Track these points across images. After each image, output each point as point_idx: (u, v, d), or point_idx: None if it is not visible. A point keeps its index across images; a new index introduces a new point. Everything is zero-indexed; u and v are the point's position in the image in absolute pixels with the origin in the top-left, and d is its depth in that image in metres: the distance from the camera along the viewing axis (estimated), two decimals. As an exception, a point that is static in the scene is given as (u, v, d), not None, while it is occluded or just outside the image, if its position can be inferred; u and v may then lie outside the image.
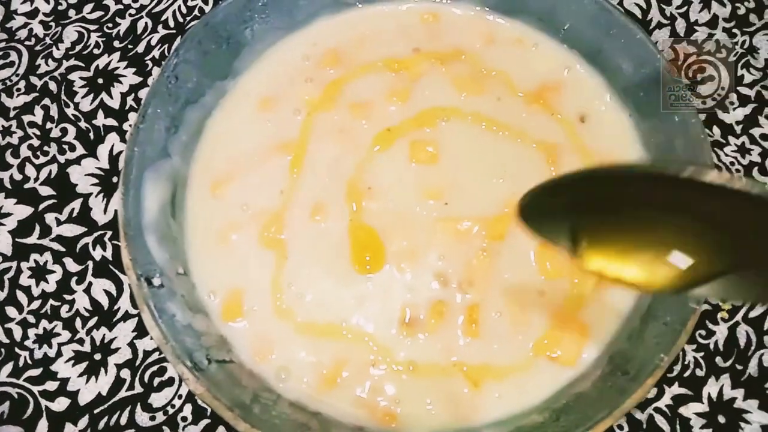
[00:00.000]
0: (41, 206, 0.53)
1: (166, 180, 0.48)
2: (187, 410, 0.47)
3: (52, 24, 0.60)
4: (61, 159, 0.55)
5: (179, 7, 0.60)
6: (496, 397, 0.43)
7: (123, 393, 0.47)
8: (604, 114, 0.51)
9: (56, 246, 0.52)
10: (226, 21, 0.51)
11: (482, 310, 0.45)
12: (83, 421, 0.46)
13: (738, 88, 0.56)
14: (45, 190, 0.54)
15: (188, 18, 0.60)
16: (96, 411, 0.47)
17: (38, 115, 0.56)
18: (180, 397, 0.47)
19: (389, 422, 0.43)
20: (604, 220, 0.33)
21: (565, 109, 0.52)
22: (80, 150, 0.55)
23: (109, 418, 0.46)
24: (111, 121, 0.56)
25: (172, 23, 0.59)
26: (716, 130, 0.55)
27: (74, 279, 0.51)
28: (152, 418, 0.46)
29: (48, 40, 0.59)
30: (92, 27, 0.60)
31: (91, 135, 0.55)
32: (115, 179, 0.54)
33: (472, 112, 0.51)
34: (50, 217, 0.53)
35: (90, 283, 0.50)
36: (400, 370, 0.44)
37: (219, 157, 0.51)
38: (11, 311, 0.50)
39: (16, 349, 0.49)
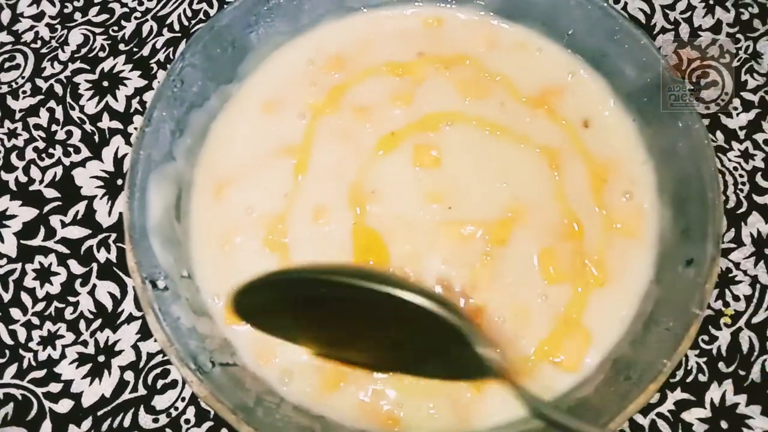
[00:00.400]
0: (46, 208, 0.53)
1: (170, 183, 0.48)
2: (191, 413, 0.47)
3: (58, 27, 0.60)
4: (66, 161, 0.55)
5: (184, 10, 0.60)
6: (499, 401, 0.43)
7: (126, 395, 0.47)
8: (608, 119, 0.51)
9: (61, 248, 0.52)
10: (231, 25, 0.51)
11: (485, 314, 0.45)
12: (87, 423, 0.47)
13: (741, 93, 0.56)
14: (50, 193, 0.54)
15: (193, 21, 0.60)
16: (99, 413, 0.47)
17: (44, 118, 0.57)
18: (183, 399, 0.47)
19: (392, 426, 0.43)
20: (322, 315, 0.38)
21: (568, 113, 0.52)
22: (85, 152, 0.55)
23: (112, 421, 0.47)
24: (116, 124, 0.56)
25: (177, 27, 0.60)
26: (719, 135, 0.55)
27: (78, 281, 0.51)
28: (155, 421, 0.47)
29: (54, 43, 0.60)
30: (98, 30, 0.60)
31: (96, 138, 0.56)
32: (119, 182, 0.54)
33: (476, 117, 0.51)
34: (55, 220, 0.53)
35: (94, 286, 0.51)
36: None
37: (223, 160, 0.51)
38: (16, 313, 0.50)
39: (21, 351, 0.49)
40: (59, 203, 0.53)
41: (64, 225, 0.53)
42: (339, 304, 0.36)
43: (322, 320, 0.38)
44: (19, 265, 0.52)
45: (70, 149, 0.55)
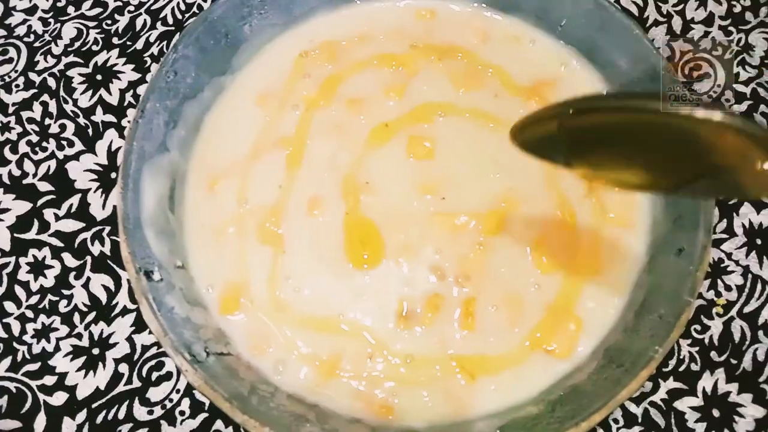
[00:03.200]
0: (40, 202, 0.53)
1: (164, 174, 0.48)
2: (185, 404, 0.47)
3: (51, 20, 0.60)
4: (60, 155, 0.55)
5: (178, 4, 0.60)
6: (492, 389, 0.43)
7: (121, 387, 0.47)
8: (600, 110, 0.52)
9: (55, 241, 0.52)
10: (224, 17, 0.51)
11: (478, 303, 0.45)
12: (81, 416, 0.47)
13: (734, 85, 0.56)
14: (44, 186, 0.54)
15: (187, 15, 0.60)
16: (94, 405, 0.47)
17: (37, 111, 0.57)
18: (178, 391, 0.47)
19: (386, 414, 0.43)
20: (590, 138, 0.36)
21: (561, 105, 0.52)
22: (79, 146, 0.55)
23: (107, 413, 0.47)
24: (110, 118, 0.56)
25: (170, 20, 0.60)
26: (711, 126, 0.55)
27: (72, 274, 0.51)
28: (150, 413, 0.47)
29: (47, 37, 0.59)
30: (91, 24, 0.60)
31: (90, 131, 0.56)
32: (113, 175, 0.54)
33: (469, 108, 0.51)
34: (49, 213, 0.53)
35: (88, 278, 0.51)
36: (397, 362, 0.44)
37: (217, 151, 0.51)
38: (10, 306, 0.50)
39: (15, 344, 0.49)
40: (53, 197, 0.53)
41: (57, 218, 0.53)
42: (609, 130, 0.35)
43: (587, 142, 0.37)
44: (12, 259, 0.51)
45: (64, 143, 0.55)
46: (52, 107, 0.57)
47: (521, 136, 0.38)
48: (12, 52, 0.59)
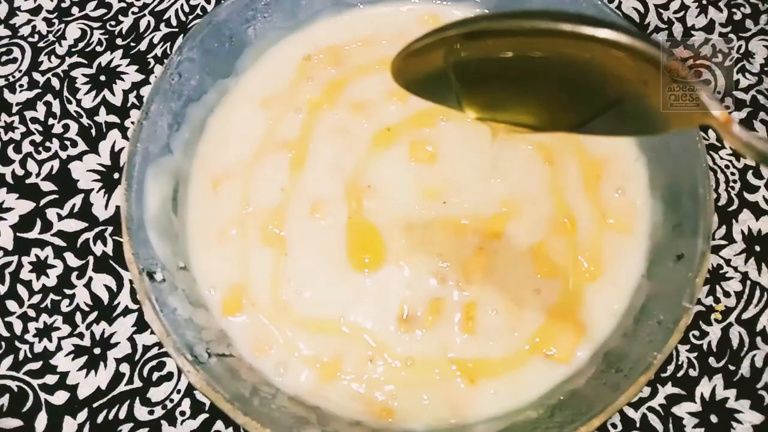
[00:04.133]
0: (42, 201, 0.53)
1: (168, 176, 0.48)
2: (186, 405, 0.47)
3: (55, 21, 0.60)
4: (63, 155, 0.55)
5: (182, 5, 0.61)
6: (492, 393, 0.43)
7: (122, 387, 0.47)
8: (602, 116, 0.52)
9: (57, 241, 0.52)
10: (228, 20, 0.51)
11: (479, 307, 0.46)
12: (82, 415, 0.47)
13: (734, 92, 0.57)
14: (46, 186, 0.54)
15: (191, 17, 0.60)
16: (95, 405, 0.47)
17: (40, 111, 0.57)
18: (179, 391, 0.47)
19: (386, 417, 0.43)
20: (482, 72, 0.33)
21: (562, 110, 0.52)
22: (82, 146, 0.55)
23: (108, 412, 0.47)
24: (113, 118, 0.56)
25: (174, 21, 0.60)
26: (711, 133, 0.55)
27: (75, 274, 0.51)
28: (151, 413, 0.47)
29: (51, 37, 0.60)
30: (95, 24, 0.60)
31: (93, 131, 0.56)
32: (116, 175, 0.54)
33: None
34: (51, 213, 0.53)
35: (90, 278, 0.51)
36: (398, 365, 0.44)
37: (220, 154, 0.51)
38: (12, 305, 0.50)
39: (17, 343, 0.49)
40: (56, 196, 0.54)
41: (60, 218, 0.53)
42: (502, 62, 0.31)
43: (480, 80, 0.34)
44: (15, 258, 0.52)
45: (67, 143, 0.56)
46: (56, 107, 0.57)
47: (405, 75, 0.34)
48: (16, 52, 0.59)
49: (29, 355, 0.49)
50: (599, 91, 0.31)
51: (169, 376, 0.48)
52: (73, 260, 0.51)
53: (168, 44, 0.59)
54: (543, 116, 0.35)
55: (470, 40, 0.31)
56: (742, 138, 0.29)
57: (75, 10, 0.61)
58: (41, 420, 0.47)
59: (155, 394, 0.47)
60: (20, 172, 0.55)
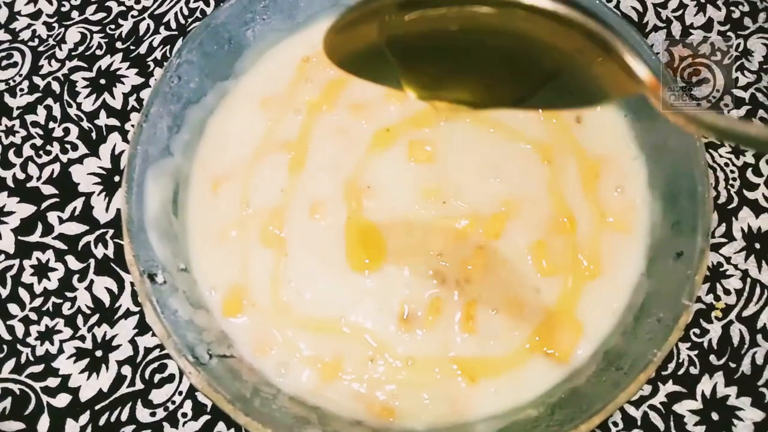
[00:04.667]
0: (43, 205, 0.54)
1: (168, 178, 0.48)
2: (188, 406, 0.47)
3: (55, 25, 0.61)
4: (64, 158, 0.55)
5: (181, 9, 0.61)
6: (492, 392, 0.44)
7: (124, 389, 0.48)
8: (600, 114, 0.52)
9: (58, 244, 0.52)
10: (227, 22, 0.52)
11: (479, 306, 0.46)
12: (84, 417, 0.47)
13: (733, 90, 0.57)
14: (47, 189, 0.54)
15: (190, 20, 0.60)
16: (97, 407, 0.47)
17: (41, 115, 0.57)
18: (180, 393, 0.47)
19: (387, 416, 0.43)
20: (418, 47, 0.31)
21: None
22: (82, 149, 0.56)
23: (110, 415, 0.47)
24: (113, 121, 0.56)
25: (174, 25, 0.60)
26: (710, 131, 0.55)
27: (76, 277, 0.51)
28: (153, 414, 0.47)
29: (51, 41, 0.60)
30: (95, 28, 0.60)
31: (94, 135, 0.56)
32: (116, 178, 0.54)
33: (470, 113, 0.52)
34: (52, 216, 0.53)
35: (92, 281, 0.51)
36: (399, 365, 0.44)
37: (220, 155, 0.51)
38: (13, 308, 0.50)
39: (18, 346, 0.49)
40: (57, 200, 0.54)
41: (61, 221, 0.53)
42: (437, 36, 0.30)
43: (418, 57, 0.32)
44: (16, 261, 0.52)
45: (68, 146, 0.56)
46: (56, 111, 0.57)
47: (338, 51, 0.32)
48: (16, 56, 0.59)
49: (31, 358, 0.49)
50: (536, 63, 0.30)
51: (170, 378, 0.48)
52: (74, 263, 0.52)
53: (167, 47, 0.59)
54: (483, 93, 0.33)
55: (403, 11, 0.29)
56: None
57: (75, 14, 0.61)
58: (43, 423, 0.47)
59: (157, 396, 0.47)
60: (21, 175, 0.55)
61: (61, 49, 0.59)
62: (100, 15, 0.61)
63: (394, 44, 0.31)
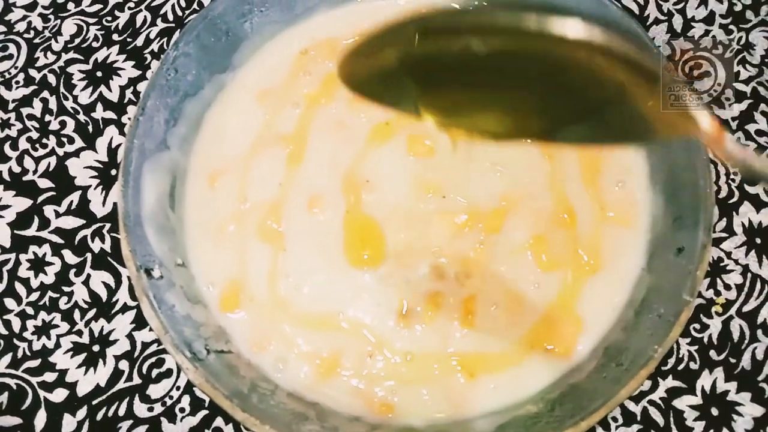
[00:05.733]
0: (40, 198, 0.53)
1: (165, 172, 0.48)
2: (185, 401, 0.47)
3: (51, 17, 0.60)
4: (60, 152, 0.55)
5: (178, 0, 0.60)
6: (492, 387, 0.43)
7: (121, 384, 0.47)
8: (601, 109, 0.52)
9: (55, 238, 0.52)
10: (225, 14, 0.51)
11: (478, 302, 0.45)
12: (81, 412, 0.47)
13: (734, 84, 0.56)
14: (44, 183, 0.54)
15: (187, 12, 0.60)
16: (94, 402, 0.47)
17: (37, 108, 0.57)
18: (178, 388, 0.47)
19: (386, 412, 0.43)
20: (441, 72, 0.29)
21: (561, 104, 0.52)
22: (79, 143, 0.55)
23: (107, 409, 0.47)
24: (110, 114, 0.56)
25: (171, 17, 0.60)
26: (711, 126, 0.55)
27: (73, 271, 0.51)
28: (150, 409, 0.47)
29: (47, 33, 0.59)
30: (91, 20, 0.60)
31: (90, 128, 0.56)
32: (113, 172, 0.54)
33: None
34: (49, 210, 0.53)
35: (89, 275, 0.51)
36: (397, 361, 0.44)
37: (218, 149, 0.51)
38: (10, 303, 0.50)
39: (15, 341, 0.49)
40: (53, 193, 0.53)
41: (58, 215, 0.53)
42: (463, 61, 0.28)
43: (439, 81, 0.30)
44: (13, 256, 0.51)
45: (64, 139, 0.55)
46: (52, 104, 0.57)
47: (354, 76, 0.30)
48: (12, 49, 0.59)
49: (28, 353, 0.48)
50: (578, 94, 0.28)
51: (168, 373, 0.48)
52: (71, 257, 0.51)
53: (164, 39, 0.59)
54: (508, 122, 0.31)
55: (427, 37, 0.28)
56: (736, 156, 0.27)
57: (71, 5, 0.61)
58: (40, 418, 0.47)
59: (154, 391, 0.47)
60: (17, 169, 0.54)
61: (57, 41, 0.59)
62: (97, 7, 0.60)
63: (413, 68, 0.29)
